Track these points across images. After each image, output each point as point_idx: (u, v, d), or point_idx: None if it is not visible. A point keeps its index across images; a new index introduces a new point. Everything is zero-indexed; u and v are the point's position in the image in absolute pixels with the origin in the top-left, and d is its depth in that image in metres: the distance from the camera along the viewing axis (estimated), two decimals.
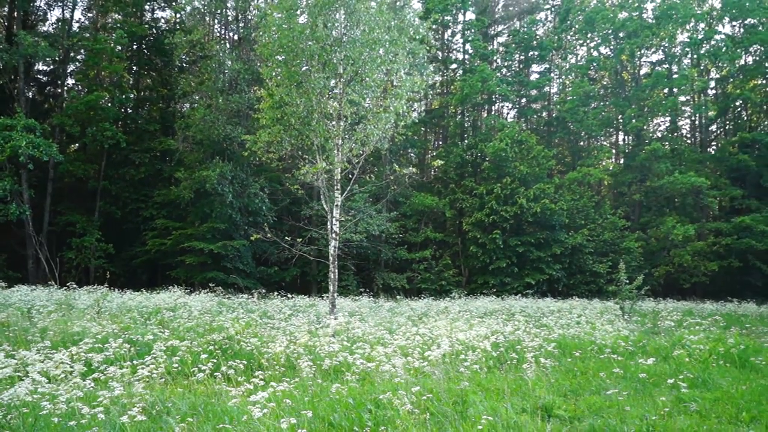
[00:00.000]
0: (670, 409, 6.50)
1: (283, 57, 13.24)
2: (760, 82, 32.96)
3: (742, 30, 32.86)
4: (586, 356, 9.62)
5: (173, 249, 23.80)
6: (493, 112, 34.79)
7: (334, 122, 13.19)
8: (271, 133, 13.27)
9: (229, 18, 28.04)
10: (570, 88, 33.03)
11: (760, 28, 31.97)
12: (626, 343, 10.59)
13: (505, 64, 33.71)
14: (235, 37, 28.07)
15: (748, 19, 32.50)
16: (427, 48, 14.77)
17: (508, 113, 35.60)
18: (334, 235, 12.81)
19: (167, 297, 16.03)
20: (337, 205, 12.95)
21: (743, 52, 32.69)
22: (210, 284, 20.42)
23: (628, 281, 16.30)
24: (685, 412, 6.56)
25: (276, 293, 19.75)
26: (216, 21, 28.77)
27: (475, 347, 8.80)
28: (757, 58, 32.83)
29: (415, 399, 5.88)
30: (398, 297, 22.80)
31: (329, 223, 13.03)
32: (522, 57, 33.44)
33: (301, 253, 14.87)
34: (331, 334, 9.96)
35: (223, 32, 29.78)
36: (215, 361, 7.30)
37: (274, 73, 13.40)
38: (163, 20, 27.64)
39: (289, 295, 19.07)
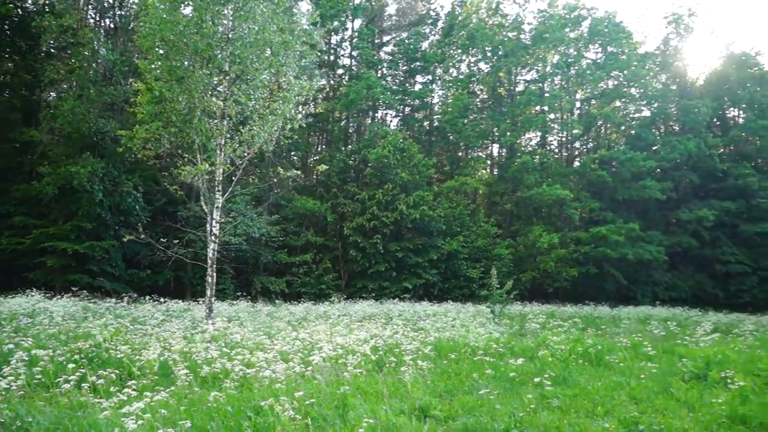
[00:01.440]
0: (535, 405, 7.57)
1: (165, 50, 13.44)
2: (618, 104, 39.40)
3: (604, 56, 39.06)
4: (460, 358, 10.80)
5: (32, 249, 23.91)
6: (377, 119, 38.22)
7: (217, 121, 13.59)
8: (148, 130, 13.40)
9: (106, 4, 28.71)
10: (451, 100, 37.25)
11: (621, 56, 38.31)
12: (497, 345, 12.16)
13: (391, 73, 37.35)
14: (112, 26, 28.77)
15: (610, 47, 38.80)
16: (318, 53, 16.60)
17: (391, 121, 39.31)
18: (213, 238, 13.30)
19: (24, 301, 15.87)
20: (217, 207, 13.46)
21: (605, 76, 38.88)
22: (73, 288, 20.71)
23: (498, 286, 19.52)
24: (548, 407, 7.71)
25: (148, 297, 20.35)
26: (90, 6, 29.29)
27: (356, 351, 9.67)
28: (617, 83, 39.36)
29: (297, 404, 6.36)
30: (277, 301, 24.59)
31: (208, 225, 13.44)
32: (406, 67, 37.21)
33: (177, 256, 15.23)
34: (209, 340, 10.27)
35: (98, 19, 30.34)
36: (82, 371, 7.24)
37: (153, 66, 13.64)
38: (30, 1, 27.68)
39: (163, 300, 19.77)
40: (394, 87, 36.74)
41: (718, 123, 42.28)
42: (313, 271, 30.15)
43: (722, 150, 40.08)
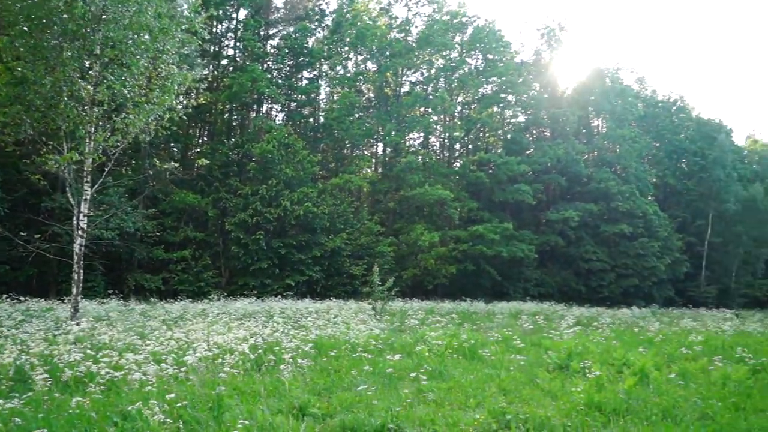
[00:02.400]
0: (412, 399, 7.97)
1: (28, 27, 12.85)
2: (496, 109, 43.21)
3: (484, 63, 42.67)
4: (340, 355, 11.14)
5: None
6: (261, 113, 39.07)
7: (86, 107, 13.15)
8: (7, 114, 12.98)
9: None
10: (337, 98, 38.95)
11: (500, 64, 42.03)
12: (377, 341, 12.69)
13: (276, 66, 38.34)
14: None
15: (490, 55, 42.44)
16: (200, 42, 16.74)
17: (276, 115, 40.40)
18: (80, 232, 13.04)
19: None
20: (85, 199, 13.16)
21: (485, 82, 42.49)
22: None
23: (380, 283, 21.13)
24: (424, 401, 8.15)
25: (5, 296, 19.78)
26: None
27: (234, 350, 9.79)
28: (496, 88, 43.08)
29: (168, 407, 6.35)
30: (152, 299, 24.70)
31: (75, 219, 13.15)
32: (293, 62, 38.40)
33: (39, 251, 15.19)
34: (73, 342, 10.04)
35: None
36: None
37: (17, 44, 13.05)
38: None
39: (23, 298, 19.43)
40: (280, 81, 37.86)
41: (584, 131, 47.71)
42: (192, 268, 30.46)
43: (587, 156, 45.33)
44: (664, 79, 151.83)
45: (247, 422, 6.22)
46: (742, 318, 30.95)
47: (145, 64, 13.72)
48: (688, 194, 51.79)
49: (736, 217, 49.59)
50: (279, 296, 27.98)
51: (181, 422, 6.16)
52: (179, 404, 6.47)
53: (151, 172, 27.01)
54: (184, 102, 31.00)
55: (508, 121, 45.36)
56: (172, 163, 20.23)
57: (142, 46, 13.39)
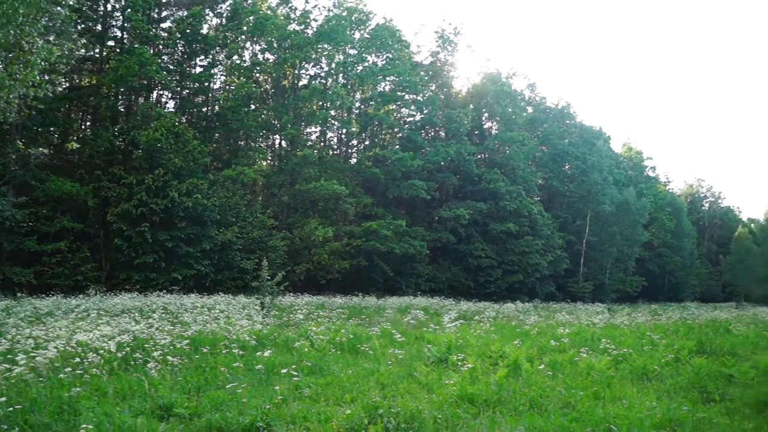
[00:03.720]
0: (286, 396, 7.98)
1: None
2: (393, 107, 43.89)
3: (383, 61, 43.19)
4: (217, 352, 10.98)
5: None
6: (151, 100, 37.33)
7: None
8: None
9: None
10: (233, 87, 37.97)
11: (398, 63, 42.68)
12: (258, 337, 12.64)
13: (168, 51, 36.77)
14: None
15: (388, 54, 43.03)
16: (75, 17, 15.33)
17: (166, 103, 38.72)
18: None
19: None
20: None
21: (383, 80, 43.02)
22: None
23: (269, 277, 20.86)
24: (300, 397, 8.20)
25: None
26: None
27: (98, 348, 9.39)
28: (393, 87, 43.73)
29: (2, 413, 5.95)
30: (20, 294, 23.16)
31: None
32: (186, 48, 36.98)
33: None
34: None
35: None
36: None
37: None
38: None
39: None
40: (172, 67, 36.39)
41: (476, 132, 49.50)
42: (69, 261, 28.75)
43: (478, 156, 47.11)
44: (553, 87, 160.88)
45: (101, 425, 5.97)
46: (612, 312, 33.44)
47: (3, 36, 12.79)
48: (569, 196, 55.33)
49: (611, 218, 53.62)
50: (164, 290, 27.11)
51: (16, 429, 5.79)
52: (19, 406, 6.12)
53: (13, 156, 24.87)
54: (52, 79, 28.90)
55: (404, 119, 46.22)
56: (40, 148, 18.66)
57: (2, 18, 12.46)
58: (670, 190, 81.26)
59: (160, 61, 35.13)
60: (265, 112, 39.50)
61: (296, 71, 42.06)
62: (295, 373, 9.17)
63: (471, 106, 47.80)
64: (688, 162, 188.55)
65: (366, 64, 43.19)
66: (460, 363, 10.84)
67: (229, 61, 39.86)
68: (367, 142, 46.09)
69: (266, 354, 10.47)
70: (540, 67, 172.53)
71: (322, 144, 42.86)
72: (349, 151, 45.94)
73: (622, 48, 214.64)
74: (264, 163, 41.01)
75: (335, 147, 45.49)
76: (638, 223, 56.54)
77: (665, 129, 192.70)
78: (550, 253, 47.22)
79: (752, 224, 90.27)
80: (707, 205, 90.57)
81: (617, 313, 31.27)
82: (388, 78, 43.61)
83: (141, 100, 37.05)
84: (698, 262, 75.26)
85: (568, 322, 22.95)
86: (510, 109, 49.06)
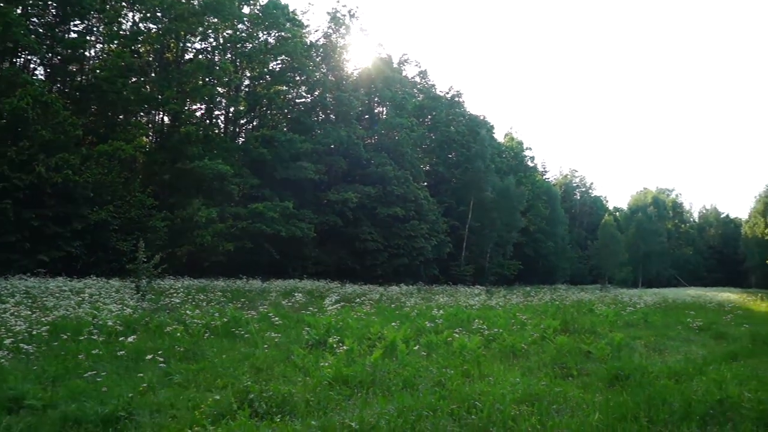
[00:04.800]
0: (154, 383, 7.76)
1: None
2: (283, 87, 43.27)
3: (274, 39, 42.35)
4: (80, 338, 10.44)
5: None
6: (17, 65, 34.22)
7: None
8: None
9: None
10: (111, 57, 35.67)
11: (289, 42, 42.04)
12: (127, 322, 12.26)
13: (37, 12, 33.83)
14: None
15: (280, 32, 42.26)
16: None
17: (35, 69, 35.70)
18: None
19: None
20: None
21: (273, 59, 42.22)
22: None
23: (146, 259, 19.97)
24: (168, 384, 7.98)
25: None
26: None
27: None
28: (284, 66, 43.03)
29: None
30: None
31: None
32: (59, 11, 34.22)
33: None
34: None
35: None
36: None
37: None
38: None
39: None
40: (41, 31, 33.52)
41: (366, 116, 50.04)
42: None
43: (368, 141, 47.68)
44: (443, 75, 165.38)
45: None
46: (490, 293, 35.37)
47: None
48: (454, 182, 57.45)
49: (492, 204, 56.44)
50: (29, 274, 25.15)
51: None
52: None
53: None
54: None
55: (294, 100, 45.71)
56: None
57: None
58: (547, 179, 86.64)
59: (28, 23, 32.29)
60: (146, 85, 37.49)
61: (181, 44, 40.22)
62: (161, 359, 8.95)
63: (362, 90, 48.16)
64: (563, 153, 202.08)
65: (256, 41, 42.18)
66: (337, 345, 11.00)
67: (107, 29, 37.30)
68: (255, 122, 45.15)
69: (130, 340, 10.14)
70: (431, 55, 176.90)
71: (207, 122, 41.45)
72: (237, 130, 44.79)
73: (507, 42, 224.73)
74: (144, 139, 38.98)
75: (222, 125, 44.16)
76: (517, 210, 59.95)
77: (544, 122, 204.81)
78: (434, 238, 48.89)
79: (617, 213, 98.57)
80: (579, 194, 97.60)
81: (494, 295, 33.06)
82: (279, 57, 42.87)
83: (6, 64, 33.89)
84: (569, 247, 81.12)
85: (447, 304, 24.03)
86: (400, 95, 49.92)
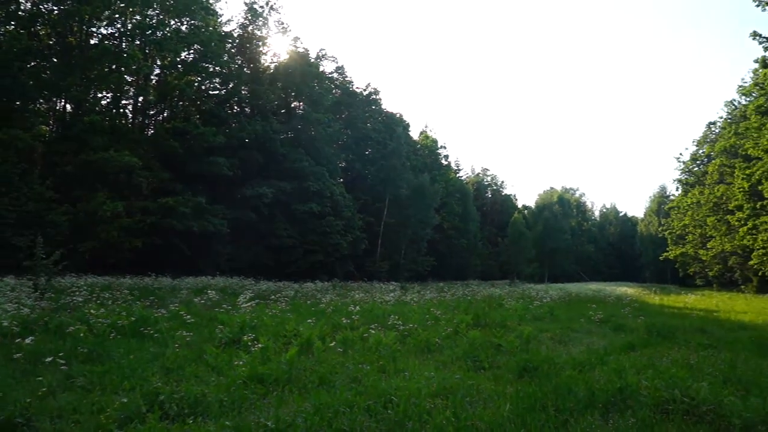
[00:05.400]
0: (54, 387, 7.50)
1: None
2: (196, 78, 41.96)
3: (186, 27, 40.97)
4: None
5: None
6: None
7: None
8: None
9: None
10: (7, 38, 33.26)
11: (203, 31, 40.79)
12: (24, 322, 11.75)
13: None
14: None
15: (193, 20, 40.93)
16: None
17: None
18: None
19: None
20: None
21: (185, 48, 40.85)
22: None
23: (45, 256, 18.79)
24: (70, 388, 7.71)
25: None
26: None
27: None
28: (196, 56, 41.73)
29: None
30: None
31: None
32: None
33: None
34: None
35: None
36: None
37: None
38: None
39: None
40: None
41: (283, 111, 49.43)
42: None
43: (284, 135, 47.11)
44: (360, 72, 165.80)
45: None
46: (405, 289, 36.01)
47: None
48: (370, 179, 57.86)
49: (407, 201, 57.31)
50: None
51: None
52: None
53: None
54: None
55: (209, 92, 44.43)
56: None
57: None
58: (460, 177, 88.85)
59: None
60: (46, 70, 35.25)
61: (85, 28, 38.09)
62: (63, 362, 8.61)
63: (279, 84, 47.51)
64: (476, 152, 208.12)
65: (167, 29, 40.65)
66: (252, 343, 10.90)
67: (2, 9, 34.72)
68: (166, 113, 43.51)
69: (28, 341, 9.65)
70: (348, 53, 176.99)
71: (114, 111, 39.53)
72: (146, 121, 42.97)
73: (422, 41, 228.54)
74: (44, 128, 36.68)
75: (130, 115, 42.25)
76: (431, 207, 61.15)
77: (458, 121, 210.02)
78: (350, 234, 49.07)
79: (525, 211, 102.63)
80: (490, 192, 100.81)
81: (408, 291, 33.73)
82: (191, 46, 41.52)
83: None
84: (481, 244, 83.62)
85: (362, 300, 24.32)
86: (318, 90, 49.65)
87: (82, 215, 32.67)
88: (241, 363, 9.13)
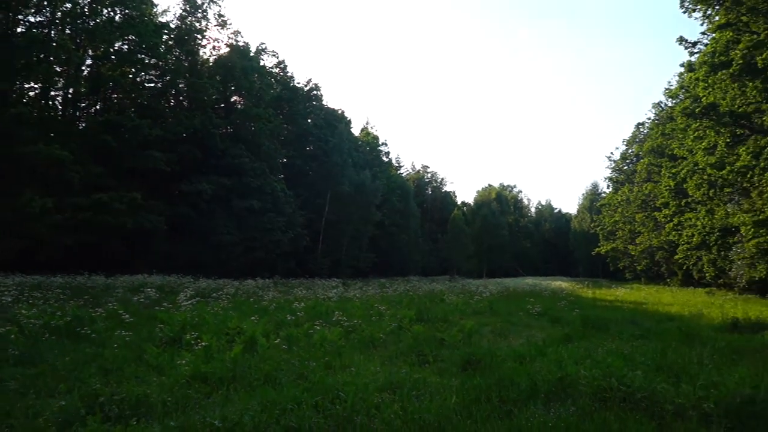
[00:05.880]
0: None
1: None
2: (132, 70, 40.61)
3: (121, 17, 39.57)
4: None
5: None
6: None
7: None
8: None
9: None
10: None
11: (138, 21, 39.48)
12: None
13: None
14: None
15: (128, 9, 39.62)
16: None
17: None
18: None
19: None
20: None
21: (120, 37, 39.47)
22: None
23: None
24: (3, 392, 7.49)
25: None
26: None
27: None
28: (132, 47, 40.39)
29: None
30: None
31: None
32: None
33: None
34: None
35: None
36: None
37: None
38: None
39: None
40: None
41: (222, 105, 48.53)
42: None
43: (223, 130, 46.27)
44: (301, 68, 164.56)
45: None
46: (347, 286, 36.11)
47: None
48: (311, 175, 57.57)
49: (349, 198, 57.37)
50: None
51: None
52: None
53: None
54: None
55: (144, 84, 43.07)
56: None
57: None
58: (401, 174, 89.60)
59: None
60: None
61: (11, 15, 36.17)
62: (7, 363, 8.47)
63: (218, 78, 46.59)
64: (417, 150, 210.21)
65: (100, 18, 39.12)
66: (194, 342, 10.80)
67: None
68: (99, 106, 41.89)
69: None
70: (289, 49, 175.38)
71: (43, 103, 37.78)
72: (78, 113, 41.23)
73: (364, 39, 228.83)
74: None
75: (60, 108, 40.48)
76: (372, 204, 61.45)
77: (399, 118, 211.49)
78: (291, 231, 48.68)
79: (465, 208, 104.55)
80: (431, 189, 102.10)
81: (351, 288, 33.85)
82: (126, 36, 40.13)
83: None
84: (421, 240, 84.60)
85: (305, 297, 24.31)
86: (258, 85, 48.94)
87: (9, 212, 31.15)
88: (183, 362, 9.00)
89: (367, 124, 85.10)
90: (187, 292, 22.01)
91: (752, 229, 30.63)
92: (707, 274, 43.36)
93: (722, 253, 40.03)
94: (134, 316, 14.39)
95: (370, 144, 77.93)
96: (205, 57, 47.83)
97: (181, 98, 45.51)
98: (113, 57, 40.25)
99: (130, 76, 41.40)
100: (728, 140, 30.37)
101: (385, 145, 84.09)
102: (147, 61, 41.87)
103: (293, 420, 6.41)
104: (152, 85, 43.74)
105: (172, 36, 44.46)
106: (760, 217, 29.58)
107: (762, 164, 27.29)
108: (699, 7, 30.59)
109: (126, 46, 41.03)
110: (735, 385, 7.24)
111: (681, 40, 33.86)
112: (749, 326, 15.41)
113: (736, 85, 28.83)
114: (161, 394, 7.34)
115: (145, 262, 37.78)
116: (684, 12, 31.38)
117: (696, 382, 7.82)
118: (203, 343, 10.33)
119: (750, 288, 36.53)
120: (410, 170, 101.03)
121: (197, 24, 46.22)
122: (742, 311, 20.38)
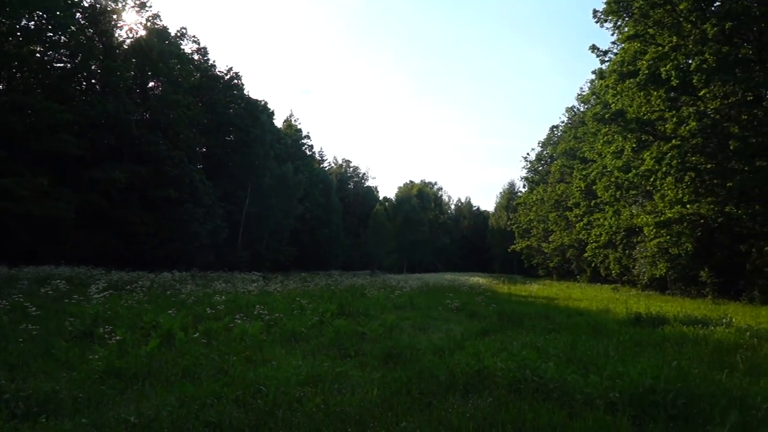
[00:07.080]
0: None
1: None
2: (39, 48, 38.26)
3: None
4: None
5: None
6: None
7: None
8: None
9: None
10: None
11: None
12: None
13: None
14: None
15: None
16: None
17: None
18: None
19: None
20: None
21: (27, 15, 37.13)
22: None
23: None
24: None
25: None
26: None
27: None
28: (40, 24, 38.06)
29: None
30: None
31: None
32: None
33: None
34: None
35: None
36: None
37: None
38: None
39: None
40: None
41: (138, 90, 46.64)
42: None
43: (139, 116, 44.48)
44: (223, 56, 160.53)
45: None
46: (267, 279, 35.69)
47: None
48: (232, 166, 56.35)
49: (270, 191, 56.65)
50: None
51: None
52: None
53: None
54: None
55: (54, 63, 40.64)
56: None
57: None
58: (324, 168, 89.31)
59: None
60: None
61: None
62: None
63: (134, 61, 44.69)
64: (339, 144, 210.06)
65: None
66: (107, 336, 10.47)
67: None
68: (2, 86, 39.19)
69: None
70: (211, 36, 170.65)
71: None
72: None
73: (289, 27, 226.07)
74: None
75: None
76: (294, 197, 60.97)
77: (322, 111, 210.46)
78: (210, 222, 47.50)
79: (387, 203, 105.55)
80: (353, 184, 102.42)
81: (271, 281, 33.50)
82: (34, 13, 37.73)
83: None
84: (343, 235, 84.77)
85: (224, 290, 23.88)
86: (177, 71, 47.33)
87: None
88: (95, 357, 8.72)
89: (290, 116, 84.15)
90: (99, 285, 21.07)
91: (654, 230, 32.71)
92: (613, 272, 45.85)
93: (627, 251, 42.49)
94: (41, 309, 13.83)
95: (292, 136, 77.14)
96: (121, 39, 45.73)
97: (93, 81, 43.31)
98: (19, 35, 37.76)
99: (38, 55, 38.97)
100: (634, 145, 32.21)
101: (309, 138, 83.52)
102: (56, 40, 39.54)
103: (213, 415, 6.30)
104: (62, 65, 41.36)
105: (85, 15, 42.19)
106: (661, 218, 31.61)
107: (664, 169, 29.10)
108: (610, 18, 32.28)
109: (33, 23, 38.60)
110: (638, 375, 7.68)
111: (593, 48, 35.64)
112: (650, 320, 16.38)
113: (642, 93, 30.62)
114: (72, 390, 7.13)
115: (53, 253, 35.85)
116: (597, 22, 33.02)
117: (603, 372, 8.23)
118: (117, 338, 10.06)
119: (651, 285, 38.97)
120: (333, 164, 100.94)
121: (113, 3, 44.11)
122: (644, 306, 21.60)
